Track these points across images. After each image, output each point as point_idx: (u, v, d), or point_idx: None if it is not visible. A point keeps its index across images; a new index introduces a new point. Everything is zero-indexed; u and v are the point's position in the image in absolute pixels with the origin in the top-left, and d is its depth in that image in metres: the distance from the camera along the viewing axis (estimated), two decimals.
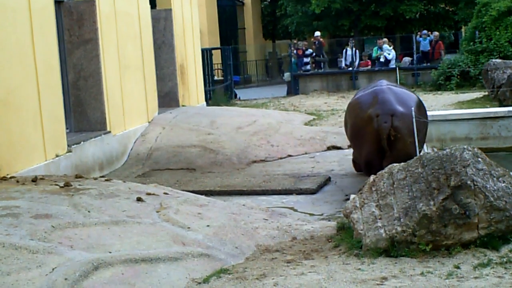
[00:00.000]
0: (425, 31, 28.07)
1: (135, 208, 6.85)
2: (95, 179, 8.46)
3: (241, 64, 36.64)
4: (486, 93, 19.15)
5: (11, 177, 8.18)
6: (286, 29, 37.43)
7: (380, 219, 5.92)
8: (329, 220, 7.71)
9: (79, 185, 7.62)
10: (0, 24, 8.58)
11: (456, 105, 18.23)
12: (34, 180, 7.80)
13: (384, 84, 9.94)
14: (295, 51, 27.68)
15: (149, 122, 13.68)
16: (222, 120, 13.85)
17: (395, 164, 6.38)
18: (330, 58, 30.84)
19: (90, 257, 5.30)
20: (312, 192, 9.50)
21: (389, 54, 26.43)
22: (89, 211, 6.47)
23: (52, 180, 7.91)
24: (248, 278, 5.35)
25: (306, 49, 27.51)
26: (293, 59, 27.82)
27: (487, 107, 15.56)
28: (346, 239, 6.22)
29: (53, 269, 5.03)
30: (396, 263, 5.53)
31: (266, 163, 11.80)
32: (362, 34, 34.11)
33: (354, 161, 10.50)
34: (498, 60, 19.24)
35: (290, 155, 12.31)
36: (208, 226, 6.62)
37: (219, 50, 26.94)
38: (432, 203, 5.72)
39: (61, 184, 7.56)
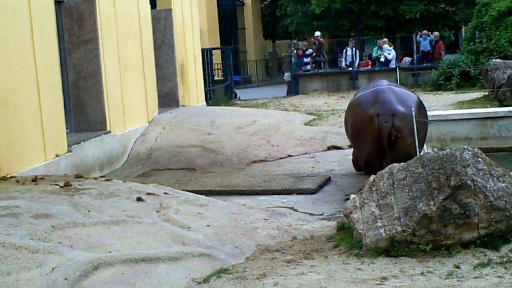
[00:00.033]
0: (425, 31, 28.08)
1: (135, 208, 6.85)
2: (95, 179, 8.46)
3: (241, 64, 36.64)
4: (486, 93, 19.16)
5: (11, 177, 8.18)
6: (286, 29, 37.43)
7: (380, 219, 5.92)
8: (329, 220, 7.71)
9: (79, 185, 7.62)
10: (0, 24, 8.58)
11: (456, 105, 18.23)
12: (34, 180, 7.80)
13: (384, 84, 9.94)
14: (295, 51, 27.69)
15: (149, 122, 13.68)
16: (222, 120, 13.85)
17: (395, 164, 6.39)
18: (330, 58, 30.85)
19: (90, 257, 5.30)
20: (312, 192, 9.50)
21: (389, 54, 26.43)
22: (89, 211, 6.47)
23: (52, 180, 7.91)
24: (248, 278, 5.35)
25: (306, 49, 27.52)
26: (293, 59, 27.82)
27: (487, 107, 15.56)
28: (346, 239, 6.22)
29: (53, 269, 5.03)
30: (396, 263, 5.53)
31: (266, 163, 11.80)
32: (362, 34, 34.11)
33: (354, 161, 10.50)
34: (498, 60, 19.24)
35: (290, 155, 12.31)
36: (208, 226, 6.62)
37: (219, 50, 26.95)
38: (432, 203, 5.72)
39: (61, 184, 7.56)
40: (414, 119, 8.83)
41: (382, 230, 5.81)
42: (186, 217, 6.75)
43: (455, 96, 20.74)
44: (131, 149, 12.53)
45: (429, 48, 26.97)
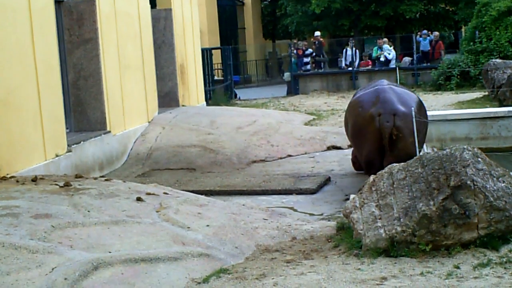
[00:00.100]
0: (425, 31, 28.08)
1: (135, 208, 6.85)
2: (95, 179, 8.46)
3: (241, 64, 36.64)
4: (486, 93, 19.15)
5: (11, 177, 8.18)
6: (286, 29, 37.43)
7: (380, 219, 5.92)
8: (329, 220, 7.71)
9: (79, 185, 7.62)
10: (0, 24, 8.58)
11: (456, 105, 18.23)
12: (34, 180, 7.80)
13: (385, 83, 9.95)
14: (295, 51, 27.69)
15: (149, 122, 13.68)
16: (222, 120, 13.85)
17: (395, 164, 6.39)
18: (330, 58, 30.84)
19: (90, 257, 5.30)
20: (312, 192, 9.50)
21: (389, 54, 26.43)
22: (89, 211, 6.47)
23: (52, 180, 7.91)
24: (247, 278, 5.35)
25: (306, 49, 27.51)
26: (293, 59, 27.82)
27: (487, 107, 15.56)
28: (346, 239, 6.22)
29: (52, 269, 5.03)
30: (395, 263, 5.53)
31: (266, 163, 11.80)
32: (362, 34, 34.12)
33: (353, 160, 10.50)
34: (498, 60, 19.24)
35: (290, 155, 12.31)
36: (208, 226, 6.62)
37: (219, 50, 26.94)
38: (432, 203, 5.72)
39: (61, 184, 7.56)
40: (414, 119, 8.84)
41: (382, 230, 5.81)
42: (186, 217, 6.75)
43: (455, 96, 20.74)
44: (131, 149, 12.53)
45: (429, 48, 26.97)
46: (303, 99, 23.71)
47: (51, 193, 7.09)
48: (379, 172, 6.41)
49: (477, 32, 23.69)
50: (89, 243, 5.65)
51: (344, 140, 12.16)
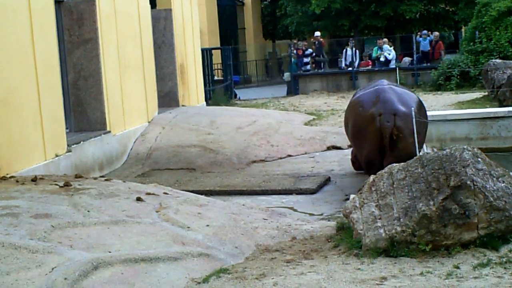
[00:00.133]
0: (425, 31, 28.07)
1: (135, 208, 6.85)
2: (95, 179, 8.46)
3: (241, 64, 36.64)
4: (486, 93, 19.15)
5: (11, 177, 8.18)
6: (286, 29, 37.43)
7: (379, 219, 5.92)
8: (328, 220, 7.71)
9: (79, 185, 7.62)
10: (0, 24, 8.58)
11: (456, 105, 18.23)
12: (34, 179, 7.80)
13: (385, 83, 9.94)
14: (295, 51, 27.68)
15: (149, 122, 13.68)
16: (222, 120, 13.85)
17: (394, 164, 6.39)
18: (330, 58, 30.84)
19: (90, 256, 5.30)
20: (312, 192, 9.50)
21: (389, 54, 26.43)
22: (88, 211, 6.47)
23: (51, 180, 7.91)
24: (247, 277, 5.35)
25: (306, 49, 27.51)
26: (293, 59, 27.82)
27: (487, 107, 15.56)
28: (346, 239, 6.22)
29: (52, 269, 5.03)
30: (395, 263, 5.54)
31: (266, 163, 11.80)
32: (362, 34, 34.12)
33: (352, 160, 10.51)
34: (498, 60, 19.24)
35: (290, 155, 12.31)
36: (207, 226, 6.62)
37: (219, 50, 26.94)
38: (432, 203, 5.72)
39: (61, 184, 7.56)
40: (414, 119, 8.84)
41: (381, 230, 5.81)
42: (185, 217, 6.75)
43: (455, 96, 20.74)
44: (131, 149, 12.53)
45: (429, 48, 26.96)
46: (303, 99, 23.71)
47: (51, 193, 7.09)
48: (379, 172, 6.42)
49: (477, 32, 23.69)
50: (89, 243, 5.65)
51: (344, 140, 12.16)
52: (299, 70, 27.11)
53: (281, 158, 12.15)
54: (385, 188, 6.10)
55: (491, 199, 5.69)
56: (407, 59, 27.14)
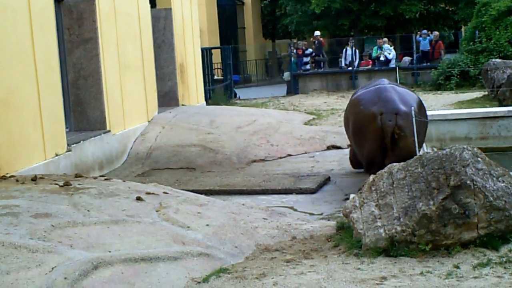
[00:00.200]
0: (425, 31, 28.09)
1: (135, 208, 6.85)
2: (95, 178, 8.46)
3: (241, 64, 36.66)
4: (486, 93, 19.16)
5: (10, 176, 8.18)
6: (286, 28, 37.46)
7: (379, 218, 5.92)
8: (328, 220, 7.71)
9: (79, 184, 7.62)
10: (0, 24, 8.58)
11: (456, 105, 18.23)
12: (34, 179, 7.80)
13: (385, 82, 9.94)
14: (295, 51, 27.69)
15: (148, 121, 13.68)
16: (221, 120, 13.85)
17: (394, 164, 6.39)
18: (330, 58, 30.85)
19: (90, 256, 5.30)
20: (312, 191, 9.50)
21: (389, 53, 26.43)
22: (88, 210, 6.47)
23: (51, 179, 7.91)
24: (247, 277, 5.35)
25: (306, 49, 27.52)
26: (293, 59, 27.82)
27: (486, 107, 15.56)
28: (346, 238, 6.22)
29: (52, 268, 5.03)
30: (395, 262, 5.54)
31: (265, 163, 11.80)
32: (362, 33, 34.14)
33: (350, 158, 10.53)
34: (498, 60, 19.24)
35: (289, 155, 12.31)
36: (207, 225, 6.62)
37: (219, 50, 26.95)
38: (431, 202, 5.73)
39: (61, 183, 7.56)
40: (414, 119, 8.84)
41: (381, 230, 5.81)
42: (185, 217, 6.75)
43: (454, 95, 20.74)
44: (131, 149, 12.53)
45: (429, 48, 26.98)
46: (303, 98, 23.71)
47: (51, 193, 7.09)
48: (379, 171, 6.41)
49: (477, 32, 23.70)
50: (89, 243, 5.65)
51: (344, 140, 12.16)
52: (299, 70, 27.12)
53: (281, 157, 12.16)
54: (385, 187, 6.10)
55: (491, 198, 5.69)
56: (407, 59, 27.14)
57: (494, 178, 5.87)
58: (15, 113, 8.79)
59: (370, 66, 27.00)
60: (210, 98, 21.39)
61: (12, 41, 8.82)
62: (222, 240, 6.31)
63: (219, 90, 22.91)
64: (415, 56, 26.70)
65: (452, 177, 5.74)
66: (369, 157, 9.40)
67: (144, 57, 13.63)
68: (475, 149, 6.09)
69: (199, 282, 5.31)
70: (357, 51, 27.61)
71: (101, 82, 11.52)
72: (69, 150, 10.12)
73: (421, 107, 9.73)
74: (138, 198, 7.14)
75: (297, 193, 9.45)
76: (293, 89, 26.30)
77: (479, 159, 5.93)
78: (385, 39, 27.62)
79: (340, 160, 11.48)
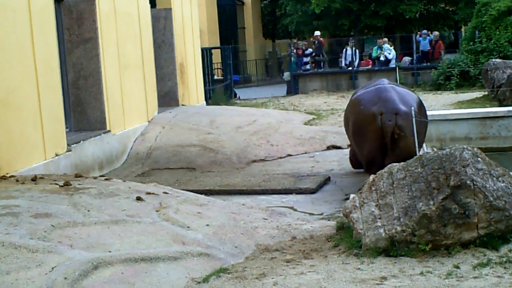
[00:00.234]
0: (425, 31, 28.09)
1: (135, 208, 6.85)
2: (95, 178, 8.46)
3: (241, 64, 36.66)
4: (486, 93, 19.16)
5: (10, 176, 8.18)
6: (286, 28, 37.46)
7: (379, 218, 5.92)
8: (328, 220, 7.71)
9: (79, 184, 7.62)
10: (0, 24, 8.58)
11: (456, 104, 18.24)
12: (34, 179, 7.80)
13: (385, 82, 9.94)
14: (295, 51, 27.69)
15: (149, 121, 13.69)
16: (221, 120, 13.85)
17: (394, 164, 6.39)
18: (330, 58, 30.86)
19: (90, 256, 5.30)
20: (312, 191, 9.50)
21: (389, 53, 26.43)
22: (88, 210, 6.47)
23: (51, 179, 7.91)
24: (247, 277, 5.35)
25: (306, 49, 27.52)
26: (293, 59, 27.82)
27: (486, 107, 15.56)
28: (346, 238, 6.22)
29: (52, 268, 5.03)
30: (395, 262, 5.54)
31: (265, 163, 11.80)
32: (362, 33, 34.14)
33: (350, 158, 10.53)
34: (498, 60, 19.25)
35: (289, 155, 12.31)
36: (207, 225, 6.62)
37: (219, 50, 26.95)
38: (431, 202, 5.73)
39: (61, 183, 7.56)
40: (414, 119, 8.84)
41: (381, 230, 5.81)
42: (185, 217, 6.75)
43: (454, 95, 20.74)
44: (131, 149, 12.53)
45: (429, 48, 26.98)
46: (303, 98, 23.71)
47: (51, 193, 7.09)
48: (379, 171, 6.41)
49: (477, 32, 23.70)
50: (89, 243, 5.65)
51: (344, 140, 12.16)
52: (299, 70, 27.12)
53: (281, 157, 12.16)
54: (385, 187, 6.10)
55: (491, 198, 5.69)
56: (407, 59, 27.15)
57: (494, 178, 5.87)
58: (15, 113, 8.79)
59: (370, 66, 27.00)
60: (210, 98, 21.39)
61: (12, 41, 8.82)
62: (222, 240, 6.31)
63: (219, 90, 22.92)
64: (415, 56, 26.70)
65: (452, 177, 5.74)
66: (369, 157, 9.40)
67: (144, 57, 13.64)
68: (475, 149, 6.09)
69: (199, 282, 5.31)
70: (357, 51, 27.61)
71: (101, 82, 11.52)
72: (69, 150, 10.12)
73: (421, 107, 9.73)
74: (138, 198, 7.14)
75: (297, 193, 9.45)
76: (293, 89, 26.31)
77: (479, 159, 5.93)
78: (385, 39, 27.63)
79: (340, 160, 11.49)
